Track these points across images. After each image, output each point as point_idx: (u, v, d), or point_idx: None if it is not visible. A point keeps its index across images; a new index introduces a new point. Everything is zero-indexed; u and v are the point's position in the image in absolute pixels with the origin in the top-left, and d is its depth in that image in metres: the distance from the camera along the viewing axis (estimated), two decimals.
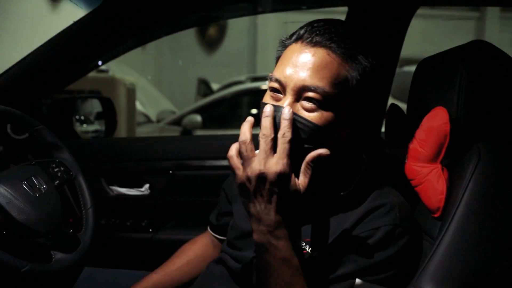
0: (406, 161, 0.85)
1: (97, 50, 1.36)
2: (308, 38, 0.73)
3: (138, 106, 5.01)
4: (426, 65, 0.90)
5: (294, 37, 0.76)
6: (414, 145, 0.82)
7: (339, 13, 1.21)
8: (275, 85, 0.75)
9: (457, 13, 9.11)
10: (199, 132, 4.64)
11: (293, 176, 0.67)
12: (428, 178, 0.78)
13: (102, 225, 1.46)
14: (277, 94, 0.75)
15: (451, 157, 0.77)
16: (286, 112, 0.67)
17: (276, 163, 0.65)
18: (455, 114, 0.75)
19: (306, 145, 0.72)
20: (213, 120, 4.97)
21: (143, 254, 1.44)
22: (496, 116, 0.76)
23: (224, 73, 7.98)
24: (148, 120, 5.33)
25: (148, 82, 6.93)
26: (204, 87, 6.75)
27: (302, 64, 0.72)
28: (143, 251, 1.45)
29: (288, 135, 0.66)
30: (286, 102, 0.72)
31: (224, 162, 1.46)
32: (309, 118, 0.71)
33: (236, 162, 0.68)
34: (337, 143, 0.75)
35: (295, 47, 0.75)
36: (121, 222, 1.47)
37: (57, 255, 0.84)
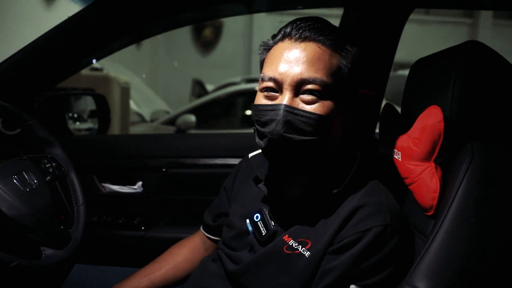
0: (400, 159, 0.86)
1: (91, 47, 1.35)
2: (296, 34, 0.75)
3: (132, 105, 4.99)
4: (421, 65, 0.90)
5: (279, 36, 0.78)
6: (408, 144, 0.83)
7: (335, 17, 1.21)
8: (270, 84, 0.75)
9: (451, 19, 9.22)
10: (193, 132, 4.63)
11: None
12: (422, 177, 0.78)
13: (94, 223, 1.45)
14: (272, 93, 0.75)
15: (445, 156, 0.77)
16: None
17: None
18: (449, 113, 0.75)
19: (312, 138, 0.73)
20: (207, 121, 4.96)
21: (135, 252, 1.43)
22: (490, 115, 0.76)
23: (219, 74, 7.98)
24: (142, 119, 5.31)
25: (143, 82, 6.91)
26: (198, 88, 6.74)
27: (296, 59, 0.73)
28: (135, 249, 1.44)
29: None
30: (285, 98, 0.73)
31: (217, 161, 1.46)
32: (311, 110, 0.72)
33: None
34: (331, 138, 0.76)
35: (283, 45, 0.76)
36: (113, 219, 1.45)
37: (47, 251, 0.83)
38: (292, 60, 0.73)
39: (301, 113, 0.72)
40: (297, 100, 0.73)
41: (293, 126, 0.72)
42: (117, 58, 5.73)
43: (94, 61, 2.09)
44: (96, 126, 1.91)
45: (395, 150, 0.88)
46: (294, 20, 0.78)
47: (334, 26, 0.80)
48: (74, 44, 1.27)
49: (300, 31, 0.74)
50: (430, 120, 0.76)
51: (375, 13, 1.31)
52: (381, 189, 0.79)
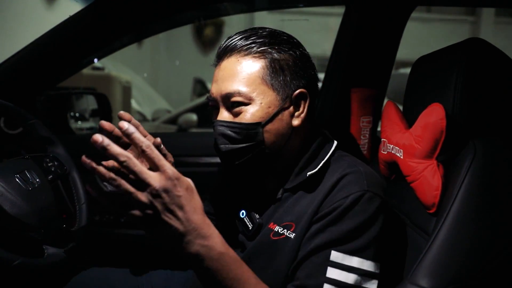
0: (401, 157, 0.85)
1: (92, 46, 1.35)
2: (220, 53, 0.82)
3: (134, 104, 5.00)
4: (423, 62, 0.90)
5: (215, 58, 0.84)
6: (410, 141, 0.82)
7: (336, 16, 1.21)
8: (212, 103, 0.83)
9: (452, 17, 9.19)
10: (194, 131, 4.63)
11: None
12: (424, 174, 0.78)
13: (96, 221, 1.45)
14: (215, 110, 0.83)
15: (447, 153, 0.77)
16: (126, 127, 0.59)
17: (163, 172, 0.60)
18: (451, 111, 0.75)
19: (244, 145, 0.78)
20: (209, 119, 4.96)
21: (137, 251, 1.43)
22: (492, 113, 0.76)
23: None
24: (144, 118, 5.32)
25: (144, 81, 6.91)
26: (200, 87, 6.74)
27: (221, 77, 0.80)
28: (137, 248, 1.44)
29: (148, 142, 0.59)
30: (220, 114, 0.80)
31: (219, 159, 1.46)
32: (239, 120, 0.78)
33: (129, 186, 0.58)
34: (288, 135, 0.80)
35: (216, 66, 0.83)
36: (115, 218, 1.46)
37: (49, 250, 0.83)
38: (219, 79, 0.80)
39: (231, 124, 0.78)
40: (229, 113, 0.80)
41: (229, 137, 0.79)
42: (119, 57, 5.74)
43: (95, 60, 2.10)
44: (98, 125, 1.91)
45: (397, 148, 0.88)
46: (226, 38, 0.83)
47: (264, 31, 0.81)
48: (75, 43, 1.27)
49: (222, 49, 0.81)
50: (432, 117, 0.76)
51: (377, 11, 1.31)
52: (360, 162, 0.81)
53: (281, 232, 0.79)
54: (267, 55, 0.79)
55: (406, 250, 0.82)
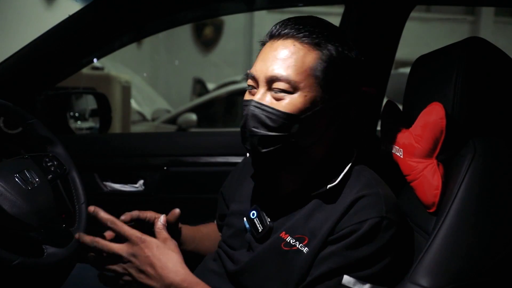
0: (401, 156, 0.85)
1: (91, 45, 1.35)
2: (276, 32, 0.78)
3: (133, 104, 4.99)
4: (423, 61, 0.90)
5: (267, 35, 0.81)
6: (410, 141, 0.82)
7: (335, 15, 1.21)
8: (250, 81, 0.79)
9: (452, 17, 9.19)
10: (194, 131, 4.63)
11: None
12: (424, 174, 0.77)
13: (96, 221, 1.45)
14: (253, 90, 0.79)
15: (447, 153, 0.77)
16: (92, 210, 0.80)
17: (129, 240, 0.74)
18: (451, 110, 0.75)
19: (276, 133, 0.74)
20: (208, 119, 4.96)
21: None
22: (492, 112, 0.76)
23: (219, 73, 7.98)
24: (143, 118, 5.31)
25: (144, 81, 6.91)
26: (199, 87, 6.74)
27: (271, 57, 0.76)
28: None
29: (111, 219, 0.78)
30: (258, 94, 0.76)
31: (219, 159, 1.46)
32: (277, 107, 0.74)
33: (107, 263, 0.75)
34: (320, 136, 0.78)
35: (267, 43, 0.79)
36: (114, 218, 1.45)
37: (49, 250, 0.83)
38: (268, 58, 0.76)
39: (267, 109, 0.74)
40: (269, 96, 0.76)
41: (261, 122, 0.75)
42: (118, 57, 5.74)
43: (95, 60, 2.09)
44: (97, 125, 1.91)
45: (397, 147, 0.88)
46: (285, 19, 0.80)
47: (325, 24, 0.79)
48: (75, 42, 1.27)
49: (280, 29, 0.77)
50: (432, 116, 0.76)
51: (376, 11, 1.31)
52: (378, 181, 0.79)
53: (293, 244, 0.77)
54: (324, 50, 0.75)
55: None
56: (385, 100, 1.17)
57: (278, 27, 0.78)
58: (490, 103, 0.76)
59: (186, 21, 1.86)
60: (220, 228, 1.06)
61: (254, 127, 0.75)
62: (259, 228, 0.83)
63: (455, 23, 9.25)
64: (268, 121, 0.74)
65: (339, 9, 1.44)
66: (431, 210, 0.76)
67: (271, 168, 0.84)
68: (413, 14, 1.37)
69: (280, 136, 0.75)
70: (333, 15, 0.98)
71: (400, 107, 0.99)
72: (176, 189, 1.47)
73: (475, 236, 0.68)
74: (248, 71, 0.79)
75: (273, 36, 0.78)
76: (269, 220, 0.83)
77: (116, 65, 5.12)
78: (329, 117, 0.78)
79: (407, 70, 0.91)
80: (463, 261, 0.67)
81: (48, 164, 0.97)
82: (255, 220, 0.84)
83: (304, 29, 0.75)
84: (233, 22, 8.87)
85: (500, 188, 0.71)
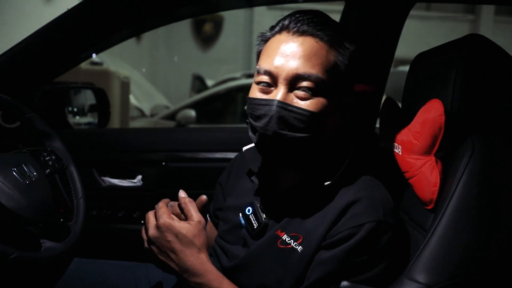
0: (400, 153, 0.85)
1: (90, 40, 1.34)
2: (294, 27, 0.74)
3: (132, 100, 4.98)
4: (422, 58, 0.90)
5: (277, 28, 0.77)
6: (408, 138, 0.82)
7: (335, 12, 1.21)
8: (265, 78, 0.74)
9: (452, 15, 9.17)
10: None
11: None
12: (422, 170, 0.78)
13: (94, 216, 1.45)
14: (267, 87, 0.74)
15: (446, 150, 0.77)
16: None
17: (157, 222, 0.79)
18: (450, 107, 0.75)
19: (304, 135, 0.72)
20: (207, 116, 4.96)
21: (134, 246, 1.43)
22: (490, 109, 0.76)
23: (219, 69, 7.96)
24: (142, 114, 5.31)
25: (143, 76, 6.89)
26: (198, 83, 6.73)
27: (293, 53, 0.72)
28: (134, 243, 1.44)
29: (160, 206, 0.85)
30: (279, 93, 0.72)
31: (217, 155, 1.46)
32: (304, 107, 0.72)
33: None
34: (324, 132, 0.76)
35: (280, 37, 0.75)
36: (112, 213, 1.45)
37: (46, 244, 0.83)
38: (289, 54, 0.72)
39: (295, 109, 0.71)
40: (291, 95, 0.73)
41: (286, 123, 0.72)
42: (117, 52, 5.72)
43: (93, 55, 2.08)
44: (96, 120, 1.90)
45: (396, 144, 0.88)
46: (293, 12, 0.77)
47: (334, 22, 0.79)
48: (73, 37, 1.27)
49: (299, 25, 0.73)
50: (431, 113, 0.76)
51: (376, 9, 1.30)
52: (376, 184, 0.79)
53: (288, 242, 0.77)
54: (340, 48, 0.75)
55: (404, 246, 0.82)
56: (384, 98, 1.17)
57: (293, 22, 0.74)
58: (489, 101, 0.76)
59: (186, 16, 1.85)
60: (216, 225, 1.06)
61: (280, 129, 0.72)
62: (255, 224, 0.83)
63: (455, 21, 9.24)
64: (295, 122, 0.71)
65: (339, 7, 1.43)
66: (429, 207, 0.76)
67: (284, 166, 0.82)
68: (412, 12, 1.36)
69: (306, 137, 0.73)
70: (333, 12, 0.98)
71: (400, 105, 0.99)
72: (174, 185, 1.47)
73: (473, 233, 0.68)
74: (259, 66, 0.75)
75: (290, 31, 0.74)
76: (265, 216, 0.82)
77: (115, 61, 5.10)
78: (340, 114, 0.78)
79: (406, 68, 0.91)
80: (460, 258, 0.67)
81: (46, 158, 0.97)
82: (250, 216, 0.84)
83: (322, 26, 0.74)
84: (232, 19, 8.85)
85: (498, 185, 0.71)
